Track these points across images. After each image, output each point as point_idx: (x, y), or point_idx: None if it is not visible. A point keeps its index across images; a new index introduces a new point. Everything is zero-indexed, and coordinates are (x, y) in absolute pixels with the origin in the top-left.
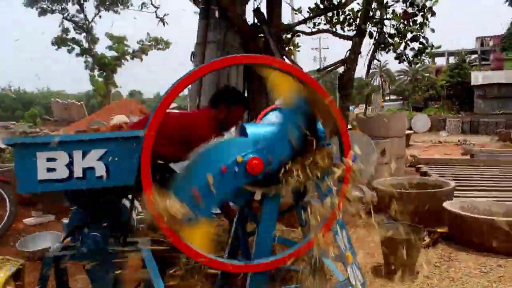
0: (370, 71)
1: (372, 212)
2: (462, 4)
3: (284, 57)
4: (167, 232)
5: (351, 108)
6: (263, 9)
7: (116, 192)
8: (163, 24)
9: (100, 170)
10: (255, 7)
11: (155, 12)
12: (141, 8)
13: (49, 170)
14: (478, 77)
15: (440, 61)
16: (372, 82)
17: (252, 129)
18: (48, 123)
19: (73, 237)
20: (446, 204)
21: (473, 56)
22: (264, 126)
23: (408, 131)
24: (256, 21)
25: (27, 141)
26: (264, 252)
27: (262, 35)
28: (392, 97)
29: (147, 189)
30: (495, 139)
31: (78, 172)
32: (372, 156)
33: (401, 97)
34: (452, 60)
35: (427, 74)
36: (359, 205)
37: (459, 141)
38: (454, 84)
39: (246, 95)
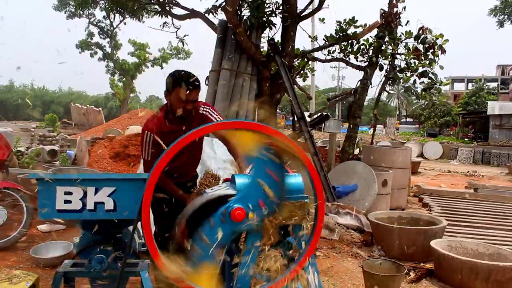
0: (389, 92)
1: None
2: (486, 31)
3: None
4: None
5: (366, 128)
6: (278, 39)
7: (122, 221)
8: (183, 44)
9: (109, 204)
10: (269, 38)
11: (176, 32)
12: (163, 27)
13: (66, 202)
14: (494, 107)
15: (459, 87)
16: (389, 103)
17: (238, 181)
18: (67, 127)
19: (82, 256)
20: (433, 243)
21: (492, 85)
22: (247, 177)
23: (419, 159)
24: (269, 51)
25: (49, 177)
26: (243, 285)
27: (274, 63)
28: (409, 119)
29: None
30: (505, 172)
31: (90, 205)
32: (373, 186)
33: (417, 121)
34: (471, 86)
35: (444, 100)
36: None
37: (468, 171)
38: (471, 112)
39: (257, 114)
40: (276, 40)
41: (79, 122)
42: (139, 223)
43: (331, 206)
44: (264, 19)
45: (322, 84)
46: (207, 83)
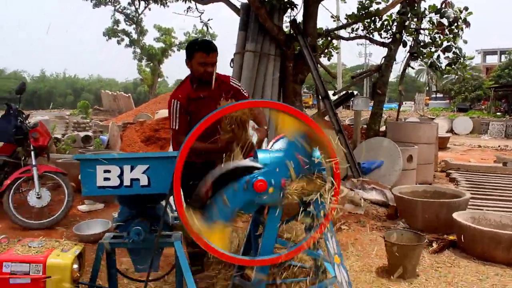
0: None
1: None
2: None
3: (317, 64)
4: (195, 237)
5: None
6: (300, 19)
7: (156, 196)
8: (207, 28)
9: (144, 180)
10: (291, 19)
11: (200, 16)
12: (187, 12)
13: (105, 179)
14: None
15: (492, 60)
16: (418, 79)
17: (261, 155)
18: (99, 113)
19: (121, 229)
20: (455, 214)
21: None
22: (272, 152)
23: (448, 134)
24: (292, 31)
25: (90, 157)
26: (266, 251)
27: (297, 44)
28: (439, 95)
29: (179, 208)
30: None
31: (127, 182)
32: (398, 162)
33: (447, 96)
34: (504, 59)
35: (476, 73)
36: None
37: (499, 146)
38: (503, 85)
39: (281, 97)
40: (298, 21)
41: (110, 108)
42: (171, 197)
43: (356, 182)
44: (285, 0)
45: (349, 61)
46: (232, 65)
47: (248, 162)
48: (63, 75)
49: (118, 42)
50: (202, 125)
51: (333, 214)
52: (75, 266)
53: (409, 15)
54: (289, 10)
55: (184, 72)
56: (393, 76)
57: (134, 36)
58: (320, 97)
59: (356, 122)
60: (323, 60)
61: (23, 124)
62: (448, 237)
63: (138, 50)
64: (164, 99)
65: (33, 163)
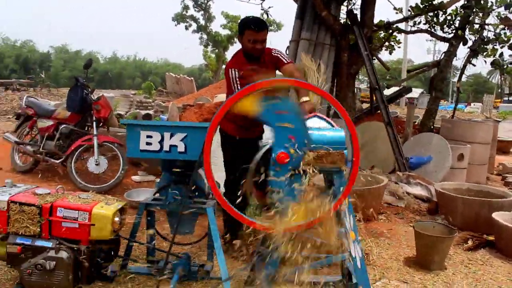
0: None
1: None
2: None
3: (371, 55)
4: (219, 200)
5: (462, 106)
6: (359, 10)
7: (192, 164)
8: (267, 16)
9: (181, 147)
10: (348, 9)
11: (261, 4)
12: (249, 0)
13: (147, 143)
14: None
15: None
16: (490, 80)
17: (267, 132)
18: (162, 94)
19: (161, 193)
20: (495, 214)
21: None
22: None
23: None
24: (348, 21)
25: (135, 123)
26: None
27: (353, 34)
28: None
29: (207, 170)
30: None
31: (166, 147)
32: (447, 159)
33: None
34: None
35: None
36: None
37: None
38: None
39: (335, 86)
40: (355, 11)
41: (173, 91)
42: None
43: (402, 176)
44: None
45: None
46: (287, 52)
47: (260, 144)
48: (133, 58)
49: (186, 28)
50: (232, 99)
51: (350, 190)
52: (116, 218)
53: (474, 10)
54: (346, 0)
55: None
56: (464, 76)
57: (202, 22)
58: (371, 88)
59: (408, 117)
60: (385, 54)
61: (88, 97)
62: (487, 237)
63: (204, 36)
64: (223, 84)
65: (94, 132)
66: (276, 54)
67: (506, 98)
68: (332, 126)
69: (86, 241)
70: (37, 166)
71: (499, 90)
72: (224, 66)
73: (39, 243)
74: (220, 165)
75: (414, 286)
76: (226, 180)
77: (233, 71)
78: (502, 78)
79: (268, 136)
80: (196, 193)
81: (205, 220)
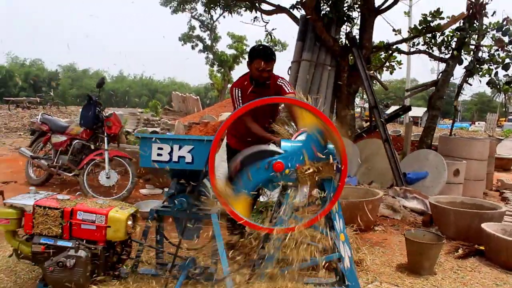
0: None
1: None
2: None
3: (369, 76)
4: (223, 203)
5: (466, 125)
6: (357, 32)
7: (198, 173)
8: (271, 37)
9: (188, 158)
10: (347, 32)
11: (265, 26)
12: (253, 22)
13: (158, 154)
14: None
15: None
16: (494, 99)
17: (284, 143)
18: (168, 113)
19: (169, 200)
20: (484, 225)
21: None
22: (293, 142)
23: None
24: (347, 43)
25: (147, 136)
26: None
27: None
28: None
29: (212, 178)
30: None
31: (175, 158)
32: (442, 174)
33: None
34: None
35: None
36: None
37: None
38: None
39: (335, 105)
40: (354, 33)
41: (179, 109)
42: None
43: (399, 190)
44: (343, 13)
45: (421, 77)
46: (289, 73)
47: (272, 147)
48: (140, 77)
49: (193, 47)
50: (234, 115)
51: (340, 195)
52: (129, 222)
53: (469, 32)
54: (345, 23)
55: None
56: (466, 95)
57: (208, 42)
58: (369, 106)
59: (406, 134)
60: (385, 74)
61: (100, 113)
62: (478, 246)
63: (210, 56)
64: (229, 103)
65: (106, 147)
66: (280, 83)
67: (511, 117)
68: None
69: (103, 241)
70: (49, 180)
71: (504, 109)
72: (229, 85)
73: (61, 243)
74: (223, 177)
75: None
76: None
77: (236, 90)
78: (506, 97)
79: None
80: (201, 201)
81: (210, 228)
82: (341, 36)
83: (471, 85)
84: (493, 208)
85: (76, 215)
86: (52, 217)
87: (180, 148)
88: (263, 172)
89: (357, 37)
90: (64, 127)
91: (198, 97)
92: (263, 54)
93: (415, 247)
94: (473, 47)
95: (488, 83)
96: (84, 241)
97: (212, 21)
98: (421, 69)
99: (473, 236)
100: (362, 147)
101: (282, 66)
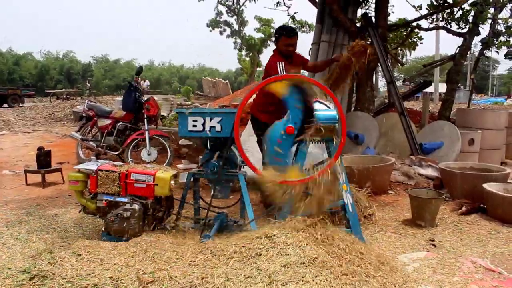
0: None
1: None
2: None
3: (387, 54)
4: (251, 168)
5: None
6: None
7: (227, 141)
8: (293, 20)
9: (218, 127)
10: (363, 13)
11: (287, 10)
12: (276, 6)
13: (193, 126)
14: None
15: None
16: None
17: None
18: (199, 98)
19: (204, 165)
20: (486, 184)
21: None
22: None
23: None
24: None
25: (184, 111)
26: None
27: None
28: None
29: (238, 143)
30: None
31: (207, 128)
32: (456, 144)
33: None
34: None
35: None
36: None
37: None
38: None
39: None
40: (371, 14)
41: (209, 94)
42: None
43: (414, 159)
44: None
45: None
46: (309, 54)
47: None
48: (168, 65)
49: (221, 33)
50: (257, 87)
51: (341, 150)
52: (172, 182)
53: (485, 5)
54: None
55: None
56: (503, 69)
57: (235, 27)
58: (386, 82)
59: (424, 107)
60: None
61: (139, 98)
62: (484, 206)
63: (238, 41)
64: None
65: (146, 128)
66: (298, 54)
67: None
68: (328, 107)
69: (152, 197)
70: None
71: None
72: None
73: (119, 199)
74: (251, 150)
75: (406, 236)
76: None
77: (280, 63)
78: None
79: None
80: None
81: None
82: (358, 17)
83: (487, 57)
84: (499, 171)
85: (130, 176)
86: (112, 178)
87: (211, 119)
88: (284, 141)
89: (373, 17)
90: (108, 111)
91: (227, 81)
92: (286, 31)
93: (417, 202)
94: (489, 20)
95: (506, 55)
96: (137, 197)
97: (238, 6)
98: (450, 44)
99: (478, 196)
100: (381, 120)
101: (308, 47)
